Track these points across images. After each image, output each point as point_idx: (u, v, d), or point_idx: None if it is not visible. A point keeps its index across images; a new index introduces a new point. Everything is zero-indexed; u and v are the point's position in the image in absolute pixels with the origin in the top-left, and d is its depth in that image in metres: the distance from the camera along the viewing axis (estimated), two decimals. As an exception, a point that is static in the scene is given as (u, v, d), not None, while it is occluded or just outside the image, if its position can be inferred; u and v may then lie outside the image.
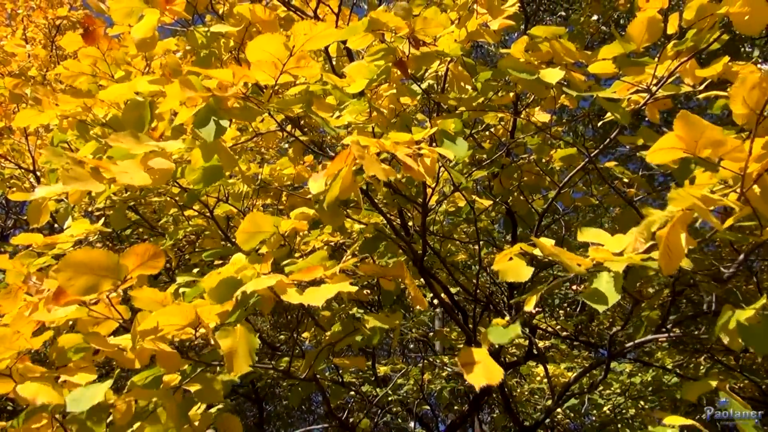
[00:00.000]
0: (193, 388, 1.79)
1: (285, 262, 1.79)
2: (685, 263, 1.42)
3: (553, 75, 2.00)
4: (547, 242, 1.52)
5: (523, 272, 1.61)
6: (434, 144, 2.13)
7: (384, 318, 1.94)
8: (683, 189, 1.32)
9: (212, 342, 1.49)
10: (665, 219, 1.31)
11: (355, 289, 1.51)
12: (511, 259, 1.64)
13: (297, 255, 2.56)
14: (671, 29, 2.05)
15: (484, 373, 1.47)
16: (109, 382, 1.58)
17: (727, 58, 2.01)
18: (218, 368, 1.94)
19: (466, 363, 1.48)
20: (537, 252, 1.55)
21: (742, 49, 5.25)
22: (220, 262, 3.25)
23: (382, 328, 2.06)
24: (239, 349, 1.45)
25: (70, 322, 1.69)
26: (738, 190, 1.38)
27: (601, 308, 1.37)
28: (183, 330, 1.56)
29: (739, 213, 1.34)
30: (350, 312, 3.15)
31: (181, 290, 1.80)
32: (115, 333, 1.72)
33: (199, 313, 1.51)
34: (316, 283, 1.57)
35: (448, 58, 2.29)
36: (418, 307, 1.96)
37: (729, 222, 1.40)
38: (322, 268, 1.60)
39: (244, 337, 1.47)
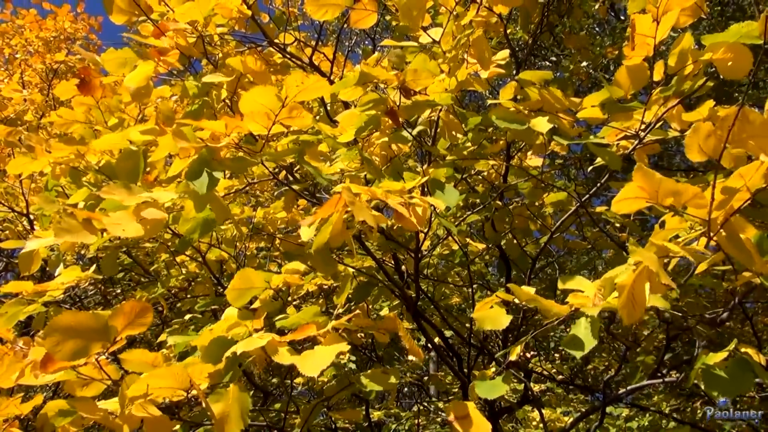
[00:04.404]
0: (185, 450, 1.72)
1: (278, 317, 1.77)
2: (662, 303, 1.43)
3: (543, 124, 2.02)
4: (527, 290, 1.55)
5: (501, 320, 1.63)
6: (426, 190, 2.14)
7: (380, 377, 1.90)
8: (654, 235, 1.33)
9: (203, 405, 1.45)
10: (628, 270, 1.33)
11: (348, 347, 1.49)
12: (492, 307, 1.65)
13: (290, 299, 2.54)
14: (657, 76, 2.08)
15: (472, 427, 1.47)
16: None
17: (711, 102, 2.04)
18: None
19: (457, 416, 1.47)
20: (516, 299, 1.57)
21: (735, 94, 5.32)
22: (213, 308, 3.23)
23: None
24: (231, 413, 1.41)
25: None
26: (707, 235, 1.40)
27: (578, 354, 1.41)
28: (174, 392, 1.50)
29: (711, 258, 1.36)
30: (344, 362, 3.11)
31: (169, 343, 1.77)
32: (104, 393, 1.66)
33: (190, 373, 1.47)
34: (310, 340, 1.56)
35: (439, 107, 2.32)
36: (412, 357, 1.94)
37: (702, 267, 1.42)
38: (314, 326, 1.57)
39: (237, 400, 1.43)
